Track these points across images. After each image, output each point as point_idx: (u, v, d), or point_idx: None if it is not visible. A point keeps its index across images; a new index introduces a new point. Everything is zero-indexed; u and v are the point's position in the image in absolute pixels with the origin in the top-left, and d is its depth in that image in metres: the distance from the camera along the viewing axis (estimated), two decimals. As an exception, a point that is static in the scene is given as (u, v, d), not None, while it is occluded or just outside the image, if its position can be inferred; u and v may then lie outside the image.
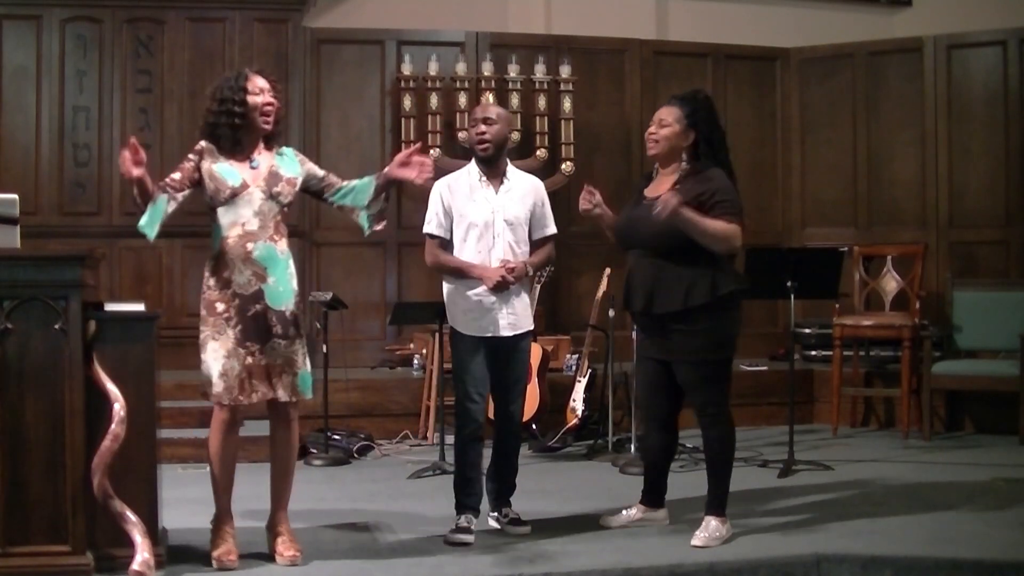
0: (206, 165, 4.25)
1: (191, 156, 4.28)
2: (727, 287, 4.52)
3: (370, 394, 7.31)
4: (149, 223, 4.19)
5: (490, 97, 8.15)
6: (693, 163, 4.61)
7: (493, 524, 4.80)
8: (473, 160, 4.82)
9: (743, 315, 4.70)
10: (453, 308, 4.75)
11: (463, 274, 4.69)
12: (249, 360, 4.18)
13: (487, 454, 4.86)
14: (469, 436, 4.71)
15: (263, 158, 4.32)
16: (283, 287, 4.26)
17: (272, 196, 4.26)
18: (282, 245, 4.29)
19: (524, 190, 4.81)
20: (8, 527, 3.87)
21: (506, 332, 4.70)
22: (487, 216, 4.70)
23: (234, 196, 4.22)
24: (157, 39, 7.92)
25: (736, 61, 9.01)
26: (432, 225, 4.76)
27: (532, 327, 4.88)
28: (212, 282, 4.24)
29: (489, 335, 4.68)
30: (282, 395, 4.24)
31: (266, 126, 4.28)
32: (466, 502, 4.72)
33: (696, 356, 4.53)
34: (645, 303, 4.55)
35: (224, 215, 4.24)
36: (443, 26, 8.56)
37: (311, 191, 4.47)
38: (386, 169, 4.46)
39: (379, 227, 4.46)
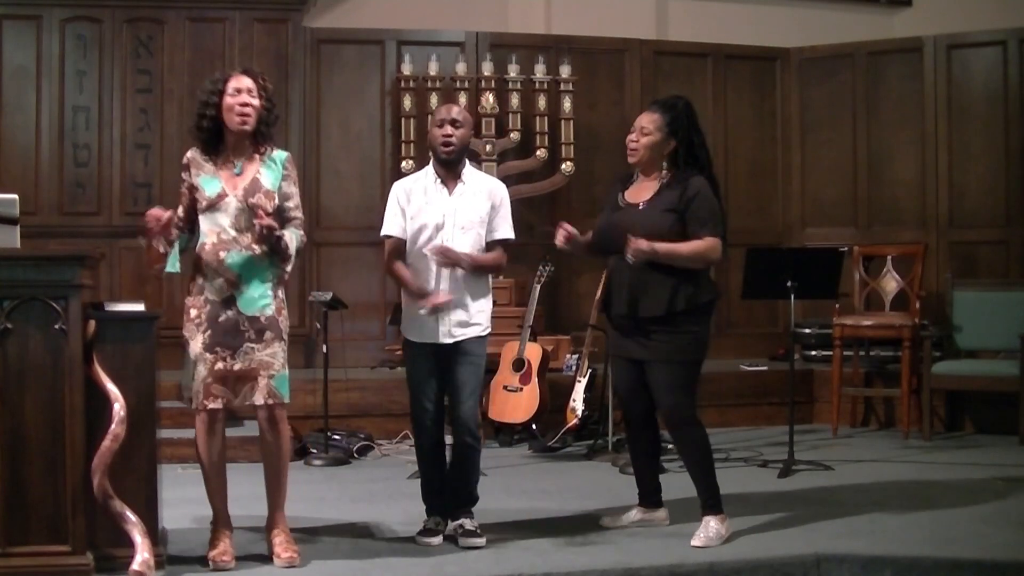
0: (193, 177, 4.29)
1: (183, 177, 4.33)
2: (707, 296, 4.59)
3: (370, 394, 7.31)
4: (171, 264, 4.25)
5: (490, 97, 8.16)
6: (674, 171, 4.62)
7: (452, 531, 4.67)
8: (432, 162, 4.72)
9: (719, 319, 4.74)
10: (403, 313, 4.73)
11: (404, 285, 4.64)
12: (219, 365, 4.19)
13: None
14: (425, 443, 4.69)
15: (250, 163, 4.28)
16: (258, 293, 4.23)
17: (249, 206, 4.22)
18: (260, 251, 4.23)
19: (480, 193, 4.66)
20: (8, 527, 3.87)
21: (445, 340, 4.58)
22: (438, 219, 4.58)
23: (211, 206, 4.23)
24: (157, 39, 7.93)
25: (736, 61, 9.01)
26: (390, 226, 4.66)
27: (483, 333, 4.66)
28: (191, 287, 4.30)
29: (430, 342, 4.60)
30: (258, 398, 4.22)
31: (243, 126, 4.22)
32: (432, 503, 4.70)
33: (673, 357, 4.53)
34: (629, 307, 4.56)
35: (204, 223, 4.25)
36: (443, 26, 8.56)
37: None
38: None
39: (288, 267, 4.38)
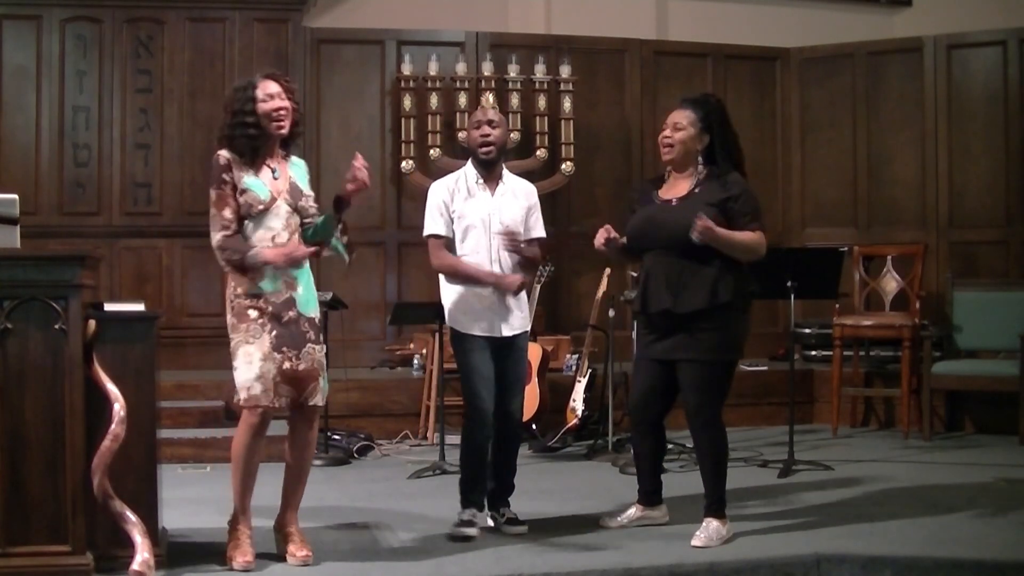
0: (238, 179, 4.20)
1: (224, 178, 4.18)
2: (746, 288, 4.57)
3: (370, 394, 7.32)
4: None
5: (490, 97, 8.15)
6: (709, 167, 4.61)
7: (489, 523, 4.81)
8: (470, 162, 4.82)
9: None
10: (455, 309, 4.74)
11: (475, 281, 4.68)
12: (287, 365, 4.19)
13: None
14: (479, 438, 4.71)
15: (280, 166, 4.29)
16: (309, 295, 4.30)
17: (297, 209, 4.28)
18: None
19: (518, 194, 4.83)
20: (8, 527, 3.87)
21: (507, 332, 4.73)
22: (484, 218, 4.71)
23: (266, 210, 4.21)
24: (157, 39, 7.93)
25: (736, 61, 9.01)
26: (437, 226, 4.74)
27: (528, 327, 4.89)
28: (241, 290, 4.21)
29: (493, 335, 4.71)
30: (319, 400, 4.29)
31: (281, 131, 4.24)
32: (472, 498, 4.74)
33: (707, 356, 4.52)
34: (672, 302, 4.53)
35: (254, 227, 4.21)
36: (443, 26, 8.56)
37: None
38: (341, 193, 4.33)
39: (352, 256, 4.41)
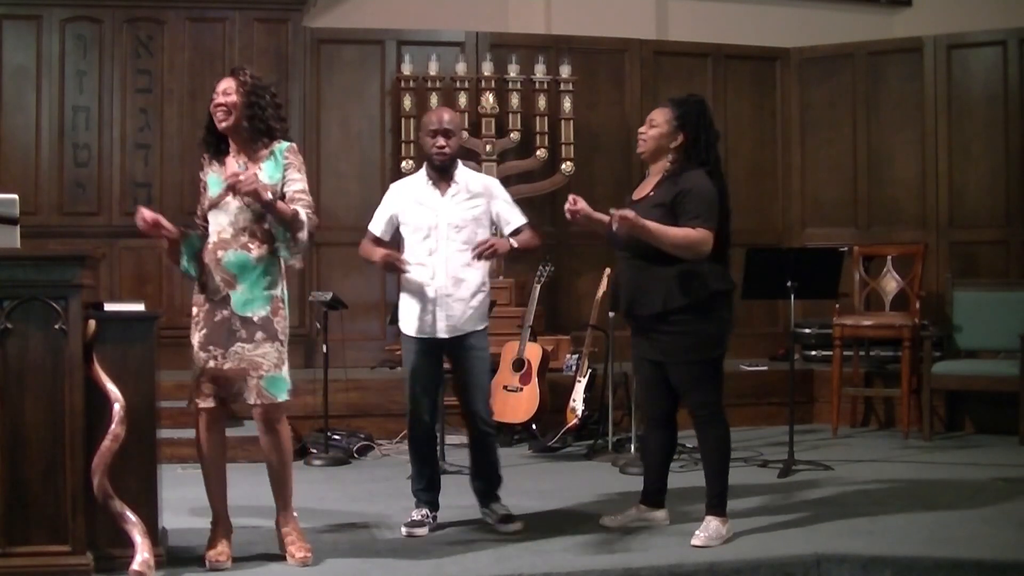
0: (204, 176, 4.35)
1: (201, 177, 4.37)
2: (707, 289, 4.48)
3: (370, 394, 7.31)
4: (184, 265, 4.29)
5: (490, 97, 8.16)
6: (676, 164, 4.59)
7: (485, 519, 4.83)
8: (425, 165, 4.87)
9: (734, 314, 4.67)
10: (401, 309, 4.82)
11: (372, 262, 4.83)
12: (211, 364, 4.21)
13: (466, 453, 4.98)
14: (418, 437, 4.81)
15: (255, 161, 4.27)
16: (253, 294, 4.22)
17: (247, 204, 4.20)
18: (259, 252, 4.21)
19: (472, 191, 4.80)
20: (8, 527, 3.87)
21: (445, 333, 4.72)
22: (431, 220, 4.73)
23: (213, 206, 4.26)
24: (157, 39, 7.93)
25: (736, 61, 9.01)
26: (375, 223, 4.89)
27: (481, 327, 4.79)
28: (196, 287, 4.32)
29: (427, 336, 4.73)
30: (249, 398, 4.23)
31: (222, 124, 4.24)
32: (421, 496, 4.80)
33: (683, 357, 4.52)
34: (627, 305, 4.57)
35: (211, 223, 4.30)
36: (443, 26, 8.57)
37: None
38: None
39: (298, 263, 4.30)
